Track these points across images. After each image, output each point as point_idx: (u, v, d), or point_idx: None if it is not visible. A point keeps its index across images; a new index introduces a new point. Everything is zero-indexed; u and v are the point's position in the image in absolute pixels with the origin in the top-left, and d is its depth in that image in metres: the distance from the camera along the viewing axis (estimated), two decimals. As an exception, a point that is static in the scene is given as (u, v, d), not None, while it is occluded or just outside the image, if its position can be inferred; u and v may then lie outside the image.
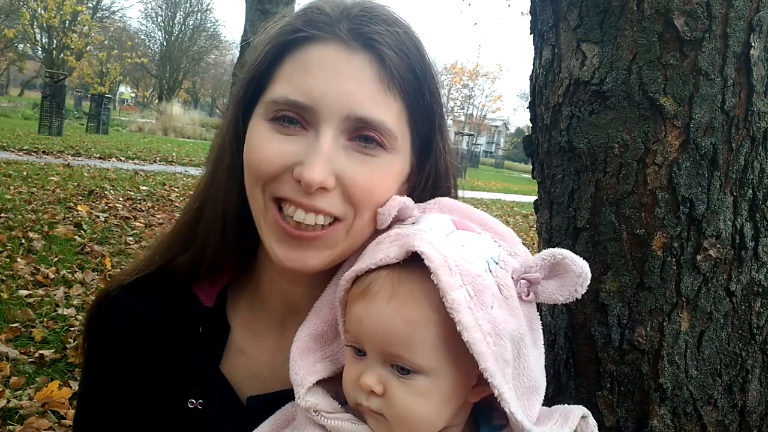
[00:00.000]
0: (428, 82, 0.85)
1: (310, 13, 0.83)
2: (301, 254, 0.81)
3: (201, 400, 0.90)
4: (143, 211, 7.80)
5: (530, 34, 1.56)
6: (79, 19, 34.26)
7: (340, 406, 0.79)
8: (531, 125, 1.57)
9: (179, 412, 0.90)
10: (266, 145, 0.80)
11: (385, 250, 0.76)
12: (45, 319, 3.90)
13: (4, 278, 4.44)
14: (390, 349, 0.73)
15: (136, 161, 14.08)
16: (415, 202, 0.88)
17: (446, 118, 0.92)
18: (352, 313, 0.76)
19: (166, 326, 0.94)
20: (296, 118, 0.80)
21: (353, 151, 0.81)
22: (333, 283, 0.87)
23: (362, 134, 0.81)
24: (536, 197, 1.57)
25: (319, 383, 0.80)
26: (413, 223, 0.83)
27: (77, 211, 6.95)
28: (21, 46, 41.01)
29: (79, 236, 5.88)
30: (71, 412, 2.85)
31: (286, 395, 0.86)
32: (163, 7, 49.55)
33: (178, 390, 0.91)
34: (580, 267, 0.76)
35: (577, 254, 1.37)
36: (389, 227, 0.84)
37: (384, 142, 0.82)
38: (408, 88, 0.83)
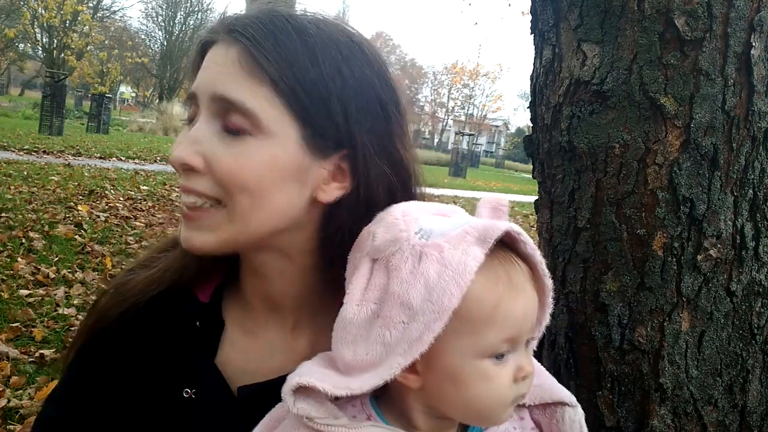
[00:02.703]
0: (322, 71, 0.85)
1: (216, 20, 0.92)
2: (189, 234, 0.87)
3: (195, 390, 0.94)
4: (144, 210, 7.79)
5: (531, 33, 1.56)
6: (79, 18, 34.20)
7: (334, 407, 0.77)
8: (531, 125, 1.57)
9: (175, 401, 0.94)
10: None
11: (465, 257, 0.71)
12: (45, 319, 3.90)
13: (4, 278, 4.44)
14: (531, 329, 0.78)
15: (137, 161, 14.07)
16: (350, 212, 0.89)
17: (393, 122, 0.91)
18: (513, 313, 0.74)
19: (165, 322, 0.98)
20: (194, 108, 0.88)
21: (224, 134, 0.85)
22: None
23: (230, 117, 0.85)
24: (536, 197, 1.57)
25: (311, 390, 0.76)
26: (417, 232, 0.77)
27: (78, 210, 6.95)
28: (21, 45, 41.00)
29: (80, 236, 5.87)
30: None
31: (274, 384, 0.90)
32: (164, 7, 49.57)
33: (174, 381, 0.95)
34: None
35: (577, 254, 1.39)
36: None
37: (248, 126, 0.84)
38: (276, 74, 0.84)
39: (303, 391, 0.76)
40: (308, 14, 0.92)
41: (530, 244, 0.78)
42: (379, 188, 0.90)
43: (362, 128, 0.89)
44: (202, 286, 1.01)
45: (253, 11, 0.91)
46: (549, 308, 0.82)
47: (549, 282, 0.80)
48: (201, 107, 0.86)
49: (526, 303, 0.76)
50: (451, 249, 0.73)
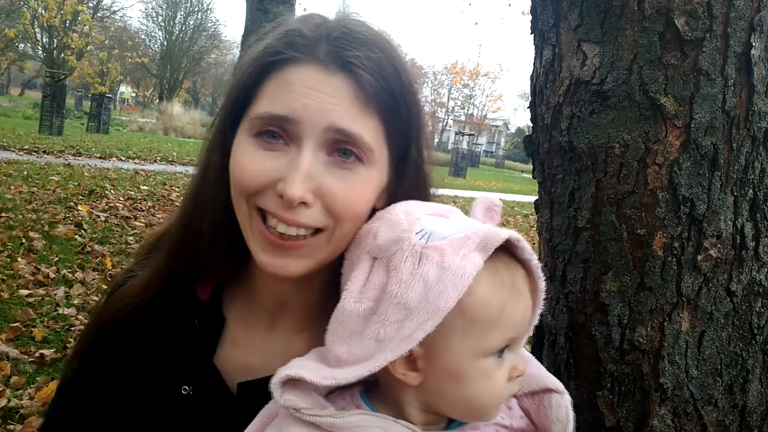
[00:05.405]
0: (405, 101, 0.90)
1: (291, 35, 0.88)
2: (284, 262, 0.86)
3: (192, 387, 0.96)
4: (144, 210, 7.79)
5: (531, 33, 1.56)
6: (79, 18, 34.21)
7: (321, 398, 0.79)
8: (531, 125, 1.57)
9: (173, 397, 0.96)
10: (250, 162, 0.85)
11: (464, 263, 0.73)
12: (45, 319, 3.90)
13: (4, 278, 4.44)
14: (527, 329, 0.81)
15: (137, 161, 14.07)
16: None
17: (425, 130, 0.97)
18: (516, 316, 0.77)
19: (165, 320, 1.00)
20: (279, 132, 0.84)
21: (333, 166, 0.85)
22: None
23: (341, 148, 0.85)
24: (537, 197, 1.57)
25: (299, 383, 0.77)
26: (419, 232, 0.79)
27: (78, 210, 6.95)
28: (21, 45, 40.98)
29: (80, 236, 5.87)
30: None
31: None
32: (164, 7, 49.58)
33: (172, 378, 0.96)
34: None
35: (577, 254, 1.39)
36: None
37: (362, 156, 0.86)
38: (384, 107, 0.87)
39: (291, 383, 0.77)
40: (372, 24, 0.92)
41: (528, 250, 0.80)
42: (410, 191, 0.94)
43: (418, 142, 0.94)
44: (203, 283, 1.02)
45: (342, 30, 0.88)
46: (539, 309, 0.85)
47: (543, 284, 0.82)
48: (306, 134, 0.83)
49: (526, 306, 0.79)
50: (452, 253, 0.74)
